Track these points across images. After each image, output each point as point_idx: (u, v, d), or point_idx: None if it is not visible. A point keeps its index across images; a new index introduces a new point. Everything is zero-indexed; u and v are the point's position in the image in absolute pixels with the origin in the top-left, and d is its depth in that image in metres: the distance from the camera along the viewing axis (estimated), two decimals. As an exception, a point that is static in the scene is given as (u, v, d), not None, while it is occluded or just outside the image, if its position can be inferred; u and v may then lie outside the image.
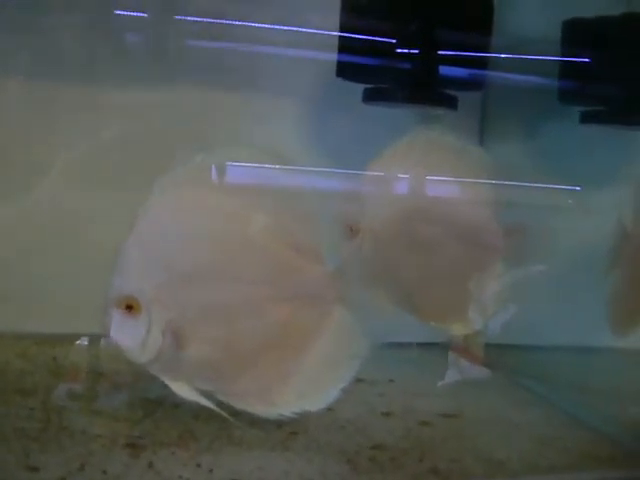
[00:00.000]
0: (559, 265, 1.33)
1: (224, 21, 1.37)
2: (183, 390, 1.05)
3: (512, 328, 1.34)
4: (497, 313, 1.33)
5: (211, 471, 0.98)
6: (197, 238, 1.05)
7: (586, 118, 1.40)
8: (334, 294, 1.09)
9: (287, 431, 1.10)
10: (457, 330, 1.34)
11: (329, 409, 1.11)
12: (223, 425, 1.09)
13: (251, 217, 1.07)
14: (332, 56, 1.36)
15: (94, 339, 1.32)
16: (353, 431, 1.14)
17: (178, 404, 1.16)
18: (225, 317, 1.06)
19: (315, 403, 1.08)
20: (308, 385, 1.08)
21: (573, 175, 1.44)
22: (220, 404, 1.05)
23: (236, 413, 1.05)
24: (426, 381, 1.37)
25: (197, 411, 1.13)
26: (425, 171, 1.29)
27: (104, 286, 1.25)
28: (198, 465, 0.99)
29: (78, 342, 1.36)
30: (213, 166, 1.05)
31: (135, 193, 1.09)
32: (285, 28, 1.35)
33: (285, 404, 1.07)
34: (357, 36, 1.34)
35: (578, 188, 1.41)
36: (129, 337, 1.04)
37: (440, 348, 1.52)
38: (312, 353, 1.09)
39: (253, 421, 1.07)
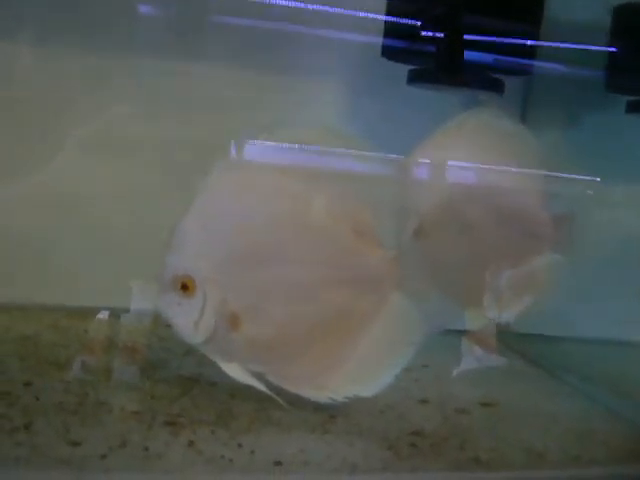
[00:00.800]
0: (598, 257, 1.31)
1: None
2: (235, 372, 1.04)
3: (546, 319, 1.33)
4: (512, 303, 1.31)
5: (253, 452, 0.97)
6: (256, 218, 1.03)
7: (632, 107, 1.37)
8: (393, 279, 1.07)
9: (326, 414, 1.09)
10: (505, 319, 1.31)
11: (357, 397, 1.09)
12: (261, 405, 1.08)
13: (311, 198, 1.05)
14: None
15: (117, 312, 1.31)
16: (393, 417, 1.12)
17: (214, 382, 1.16)
18: (281, 299, 1.04)
19: (367, 389, 1.06)
20: (361, 370, 1.06)
21: (615, 166, 1.41)
22: (269, 385, 1.04)
23: (279, 393, 1.05)
24: (459, 368, 1.36)
25: (234, 390, 1.13)
26: (475, 155, 1.25)
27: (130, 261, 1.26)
28: (239, 445, 0.98)
29: (100, 316, 1.34)
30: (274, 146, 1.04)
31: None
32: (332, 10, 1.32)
33: (337, 388, 1.05)
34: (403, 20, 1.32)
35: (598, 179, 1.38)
36: (183, 318, 1.03)
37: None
38: (367, 338, 1.07)
39: (293, 403, 1.06)
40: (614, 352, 1.50)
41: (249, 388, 1.08)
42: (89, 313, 1.34)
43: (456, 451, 1.04)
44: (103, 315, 1.33)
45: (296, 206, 1.05)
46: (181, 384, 1.15)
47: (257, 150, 1.07)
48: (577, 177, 1.32)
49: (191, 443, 0.97)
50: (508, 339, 1.46)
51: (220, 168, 1.05)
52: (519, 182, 1.26)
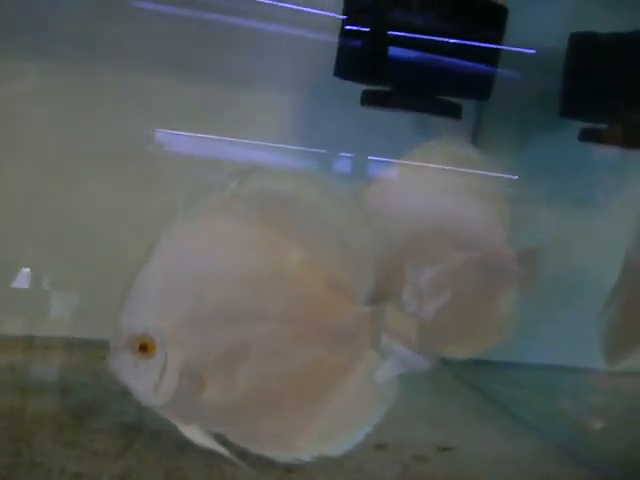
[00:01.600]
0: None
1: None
2: (196, 435, 0.95)
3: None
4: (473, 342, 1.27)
5: (211, 518, 0.90)
6: (223, 271, 0.94)
7: (585, 136, 1.35)
8: (368, 336, 1.00)
9: (280, 469, 1.02)
10: (459, 355, 1.26)
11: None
12: (212, 460, 1.01)
13: (283, 250, 0.96)
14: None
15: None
16: (351, 468, 1.06)
17: (159, 431, 1.07)
18: (250, 358, 0.95)
19: (336, 448, 0.99)
20: (331, 428, 0.99)
21: (567, 193, 1.40)
22: (231, 447, 0.97)
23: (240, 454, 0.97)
24: (415, 406, 1.31)
25: (181, 441, 1.05)
26: (439, 186, 1.20)
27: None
28: (195, 511, 0.91)
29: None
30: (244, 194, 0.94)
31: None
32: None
33: (305, 448, 0.98)
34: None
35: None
36: (141, 380, 0.93)
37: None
38: (338, 396, 1.00)
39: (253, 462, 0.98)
40: (563, 378, 1.49)
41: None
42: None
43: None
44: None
45: (266, 258, 0.96)
46: (123, 435, 1.05)
47: (228, 198, 0.96)
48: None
49: (145, 513, 0.89)
50: (457, 369, 1.43)
51: (183, 216, 0.95)
52: (484, 215, 1.22)
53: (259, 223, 0.95)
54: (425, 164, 1.19)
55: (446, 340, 1.23)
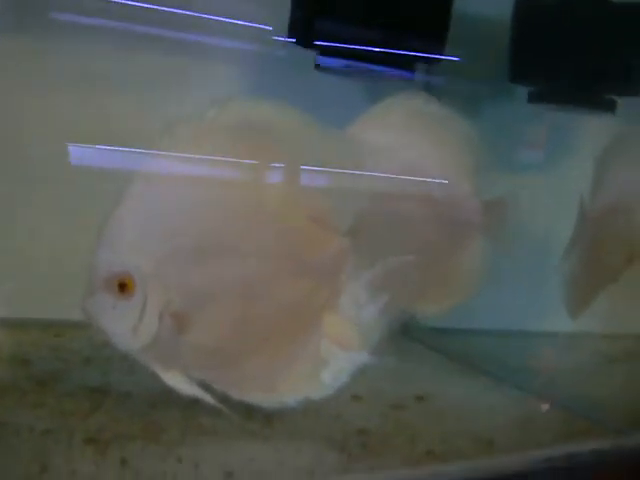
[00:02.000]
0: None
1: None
2: (176, 380, 0.90)
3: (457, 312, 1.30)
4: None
5: (197, 466, 0.85)
6: (204, 205, 0.89)
7: (533, 97, 1.38)
8: (349, 270, 0.96)
9: (260, 419, 0.98)
10: (431, 311, 1.25)
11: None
12: (188, 413, 0.96)
13: (263, 183, 0.92)
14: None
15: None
16: (330, 418, 1.03)
17: (128, 392, 1.02)
18: (233, 295, 0.91)
19: (321, 390, 0.95)
20: (314, 370, 0.95)
21: (519, 158, 1.42)
22: (213, 393, 0.91)
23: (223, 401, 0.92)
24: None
25: (152, 399, 1.00)
26: (402, 140, 1.18)
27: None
28: (179, 460, 0.86)
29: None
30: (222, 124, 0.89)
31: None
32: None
33: (288, 391, 0.94)
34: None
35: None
36: (119, 322, 0.87)
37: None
38: (321, 334, 0.97)
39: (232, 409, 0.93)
40: (519, 343, 1.50)
41: (170, 395, 0.96)
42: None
43: (408, 447, 0.97)
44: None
45: (247, 191, 0.91)
46: (90, 397, 0.99)
47: (203, 127, 0.90)
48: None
49: (124, 461, 0.83)
50: (417, 334, 1.42)
51: (161, 148, 0.89)
52: (450, 168, 1.22)
53: (238, 154, 0.90)
54: (387, 117, 1.18)
55: (415, 297, 1.21)
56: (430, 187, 1.20)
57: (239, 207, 0.91)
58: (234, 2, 1.27)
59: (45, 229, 1.24)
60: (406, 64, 1.27)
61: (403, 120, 1.19)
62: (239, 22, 1.26)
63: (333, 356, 1.20)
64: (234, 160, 0.90)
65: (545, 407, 1.20)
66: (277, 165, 0.93)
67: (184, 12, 1.22)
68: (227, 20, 1.25)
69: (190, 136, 0.88)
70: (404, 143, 1.19)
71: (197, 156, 0.89)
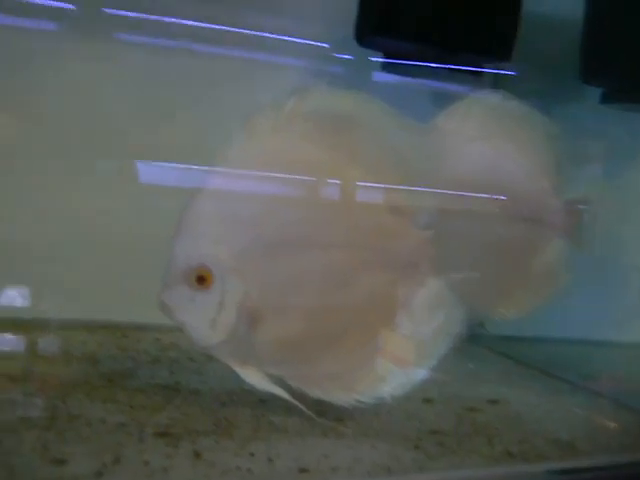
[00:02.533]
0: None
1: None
2: (253, 377, 0.88)
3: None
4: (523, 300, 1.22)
5: (271, 460, 0.83)
6: (284, 196, 0.88)
7: (606, 98, 1.35)
8: (431, 263, 0.94)
9: (331, 417, 0.95)
10: (511, 315, 1.19)
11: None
12: (259, 411, 0.95)
13: (344, 173, 0.89)
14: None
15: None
16: (403, 418, 1.00)
17: (197, 390, 1.01)
18: (311, 289, 0.89)
19: (398, 387, 0.92)
20: (392, 366, 0.93)
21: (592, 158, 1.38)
22: (289, 391, 0.90)
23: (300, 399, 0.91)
24: (452, 367, 1.25)
25: (222, 397, 0.98)
26: (483, 136, 1.16)
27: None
28: (252, 454, 0.84)
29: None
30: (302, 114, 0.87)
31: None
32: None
33: (365, 389, 0.91)
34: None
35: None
36: (197, 315, 0.86)
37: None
38: (400, 329, 0.94)
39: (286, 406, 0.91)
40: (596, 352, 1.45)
41: (239, 394, 0.94)
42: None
43: (486, 447, 0.93)
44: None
45: (327, 182, 0.90)
46: (159, 393, 0.98)
47: (283, 117, 0.88)
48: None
49: (197, 454, 0.82)
50: (484, 341, 1.38)
51: (240, 139, 0.88)
52: (531, 166, 1.18)
53: (318, 144, 0.88)
54: (468, 114, 1.15)
55: (495, 300, 1.18)
56: (511, 185, 1.17)
57: (318, 197, 0.90)
58: (293, 20, 1.29)
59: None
60: (474, 65, 1.26)
61: (483, 116, 1.17)
62: (298, 40, 1.27)
63: (390, 373, 1.19)
64: (313, 150, 0.88)
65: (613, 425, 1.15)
66: (356, 154, 0.90)
67: (249, 32, 1.24)
68: (287, 38, 1.26)
69: (269, 126, 0.87)
70: (484, 139, 1.16)
71: (276, 147, 0.88)
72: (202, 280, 0.85)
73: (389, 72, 1.26)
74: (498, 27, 1.25)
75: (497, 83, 1.37)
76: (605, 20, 1.32)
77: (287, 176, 0.88)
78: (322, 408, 0.94)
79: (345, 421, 0.95)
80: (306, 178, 0.89)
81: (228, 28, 1.23)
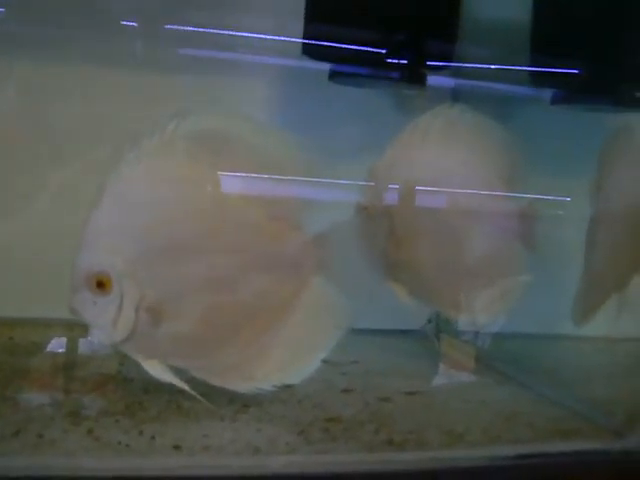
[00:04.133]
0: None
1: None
2: (156, 369, 1.00)
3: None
4: (489, 323, 1.28)
5: (153, 438, 0.94)
6: (170, 209, 1.00)
7: (556, 100, 1.37)
8: (313, 263, 1.05)
9: (239, 404, 1.06)
10: (482, 320, 1.28)
11: (285, 385, 1.07)
12: (173, 397, 1.06)
13: (226, 187, 1.02)
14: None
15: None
16: (309, 406, 1.09)
17: (132, 378, 1.13)
18: (202, 289, 1.01)
19: (294, 376, 1.04)
20: (288, 357, 1.04)
21: (545, 160, 1.40)
22: (192, 381, 1.01)
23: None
24: (392, 364, 1.33)
25: (149, 385, 1.10)
26: (443, 150, 1.25)
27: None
28: (140, 432, 0.95)
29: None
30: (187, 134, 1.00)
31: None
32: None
33: (264, 378, 1.03)
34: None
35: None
36: (100, 317, 0.98)
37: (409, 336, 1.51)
38: (291, 324, 1.05)
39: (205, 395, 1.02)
40: (541, 345, 1.47)
41: (164, 384, 1.06)
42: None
43: (370, 435, 1.00)
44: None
45: (208, 193, 1.02)
46: (96, 381, 1.12)
47: (168, 139, 1.01)
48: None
49: (90, 431, 0.94)
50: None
51: (130, 159, 1.00)
52: (488, 176, 1.25)
53: (199, 161, 1.00)
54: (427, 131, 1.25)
55: (462, 305, 1.26)
56: (470, 196, 1.25)
57: (202, 207, 1.01)
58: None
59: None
60: (416, 72, 1.31)
61: (442, 132, 1.26)
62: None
63: (449, 376, 1.26)
64: (195, 166, 1.00)
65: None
66: (236, 169, 1.02)
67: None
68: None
69: (153, 146, 1.00)
70: (444, 154, 1.25)
71: (161, 164, 1.00)
72: (102, 285, 0.98)
73: (338, 82, 1.34)
74: (438, 30, 1.30)
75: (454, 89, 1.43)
76: (552, 22, 1.34)
77: (172, 190, 1.00)
78: (233, 397, 1.05)
79: (249, 407, 1.06)
80: (189, 192, 1.01)
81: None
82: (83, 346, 1.25)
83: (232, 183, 1.03)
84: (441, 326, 1.48)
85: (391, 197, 1.26)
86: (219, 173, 1.01)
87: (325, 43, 1.31)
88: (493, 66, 1.37)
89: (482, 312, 1.27)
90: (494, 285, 1.27)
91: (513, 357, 1.37)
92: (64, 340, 1.27)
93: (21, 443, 0.90)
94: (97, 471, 0.86)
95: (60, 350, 1.24)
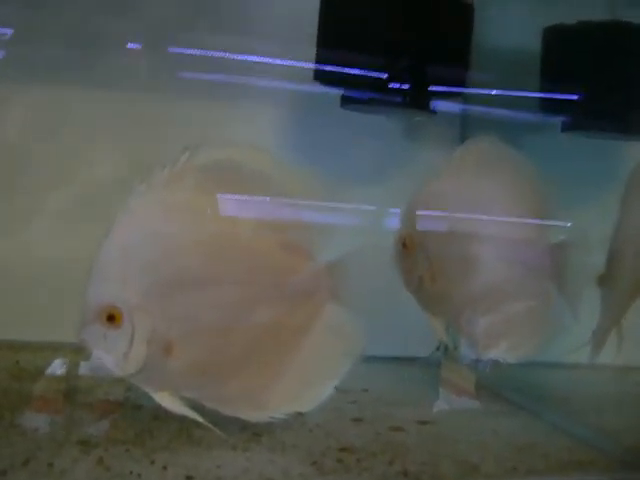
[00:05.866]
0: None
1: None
2: (167, 401, 0.99)
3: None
4: (490, 350, 1.27)
5: (165, 468, 0.93)
6: (181, 241, 0.99)
7: (566, 126, 1.37)
8: (326, 291, 1.04)
9: (250, 432, 1.05)
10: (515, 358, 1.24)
11: (297, 413, 1.06)
12: (183, 425, 1.04)
13: (237, 218, 1.01)
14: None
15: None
16: (321, 435, 1.08)
17: (140, 405, 1.12)
18: (214, 321, 0.99)
19: (307, 404, 1.03)
20: (299, 385, 1.03)
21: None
22: (204, 411, 0.99)
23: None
24: (401, 392, 1.32)
25: (157, 412, 1.09)
26: (479, 184, 1.25)
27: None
28: (152, 462, 0.94)
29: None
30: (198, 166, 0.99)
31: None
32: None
33: (276, 407, 1.01)
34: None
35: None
36: (110, 350, 0.96)
37: (417, 363, 1.49)
38: (303, 352, 1.04)
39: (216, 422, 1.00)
40: (554, 374, 1.46)
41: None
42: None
43: (384, 466, 0.99)
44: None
45: (221, 226, 1.01)
46: (104, 407, 1.11)
47: (179, 171, 1.00)
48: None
49: (100, 460, 0.93)
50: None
51: (140, 191, 1.00)
52: (522, 212, 1.24)
53: (211, 192, 1.00)
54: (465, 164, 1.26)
55: (494, 344, 1.24)
56: (503, 229, 1.24)
57: (213, 239, 1.00)
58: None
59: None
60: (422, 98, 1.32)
61: (478, 165, 1.26)
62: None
63: (450, 401, 1.25)
64: (207, 197, 1.00)
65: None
66: (247, 200, 1.01)
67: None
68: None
69: (164, 178, 0.99)
70: (480, 188, 1.25)
71: (172, 196, 0.99)
72: (112, 318, 0.96)
73: (348, 108, 1.34)
74: (449, 58, 1.31)
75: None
76: (561, 50, 1.35)
77: (183, 222, 1.00)
78: (244, 425, 1.03)
79: (261, 437, 1.05)
80: (200, 224, 1.00)
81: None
82: (89, 371, 1.25)
83: (243, 211, 1.02)
84: (449, 354, 1.47)
85: (428, 229, 1.26)
86: (229, 200, 1.01)
87: (337, 68, 1.32)
88: (503, 92, 1.37)
89: (513, 348, 1.25)
90: (523, 319, 1.26)
91: (521, 385, 1.36)
92: (70, 364, 1.27)
93: (31, 472, 0.88)
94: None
95: (65, 374, 1.23)
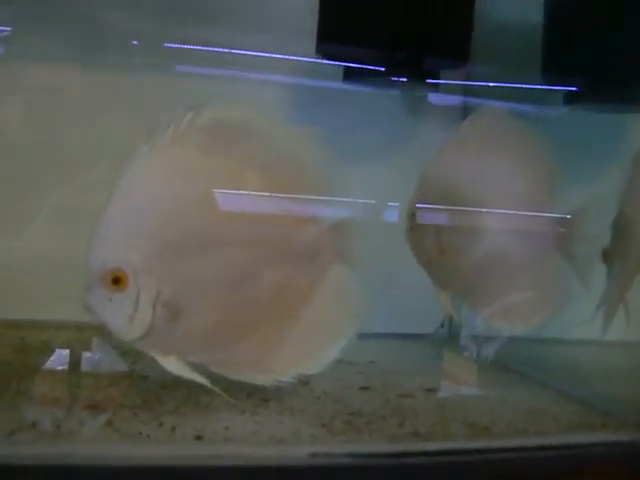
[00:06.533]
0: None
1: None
2: (174, 365, 0.98)
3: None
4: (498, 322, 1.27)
5: (173, 429, 0.92)
6: (185, 201, 0.97)
7: (569, 99, 1.37)
8: (331, 252, 1.03)
9: (258, 398, 1.04)
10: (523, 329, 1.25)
11: (304, 383, 1.07)
12: (191, 392, 1.04)
13: (242, 178, 1.00)
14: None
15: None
16: (329, 401, 1.07)
17: (147, 376, 1.11)
18: (220, 283, 0.98)
19: (313, 366, 1.02)
20: (306, 347, 1.02)
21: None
22: (211, 376, 0.98)
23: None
24: (408, 364, 1.31)
25: (166, 382, 1.08)
26: (488, 158, 1.25)
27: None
28: (160, 424, 0.93)
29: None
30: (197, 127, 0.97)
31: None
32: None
33: (282, 370, 1.01)
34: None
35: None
36: (115, 314, 0.95)
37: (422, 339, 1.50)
38: (309, 314, 1.03)
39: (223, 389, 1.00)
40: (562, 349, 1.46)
41: (180, 380, 1.03)
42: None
43: (394, 427, 0.98)
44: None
45: (224, 185, 0.99)
46: (111, 377, 1.09)
47: (182, 131, 0.98)
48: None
49: (109, 422, 0.92)
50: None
51: (142, 152, 0.98)
52: (533, 183, 1.25)
53: (214, 153, 0.98)
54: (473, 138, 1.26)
55: (502, 316, 1.24)
56: (513, 204, 1.24)
57: (218, 201, 0.98)
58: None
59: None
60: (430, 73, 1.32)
61: (486, 139, 1.27)
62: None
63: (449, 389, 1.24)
64: (210, 158, 0.98)
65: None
66: (251, 161, 1.00)
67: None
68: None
69: (168, 139, 0.97)
70: (489, 162, 1.25)
71: (175, 157, 0.98)
72: (117, 281, 0.94)
73: (351, 83, 1.34)
74: (452, 31, 1.30)
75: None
76: (566, 22, 1.35)
77: (187, 185, 0.98)
78: (252, 391, 1.03)
79: (269, 402, 1.04)
80: (204, 185, 0.98)
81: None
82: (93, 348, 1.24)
83: (247, 172, 1.00)
84: (453, 330, 1.47)
85: (437, 204, 1.25)
86: (234, 165, 0.99)
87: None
88: (504, 65, 1.37)
89: (520, 320, 1.25)
90: (532, 293, 1.25)
91: (529, 359, 1.36)
92: (74, 341, 1.26)
93: (38, 433, 0.87)
94: (119, 460, 0.84)
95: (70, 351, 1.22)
